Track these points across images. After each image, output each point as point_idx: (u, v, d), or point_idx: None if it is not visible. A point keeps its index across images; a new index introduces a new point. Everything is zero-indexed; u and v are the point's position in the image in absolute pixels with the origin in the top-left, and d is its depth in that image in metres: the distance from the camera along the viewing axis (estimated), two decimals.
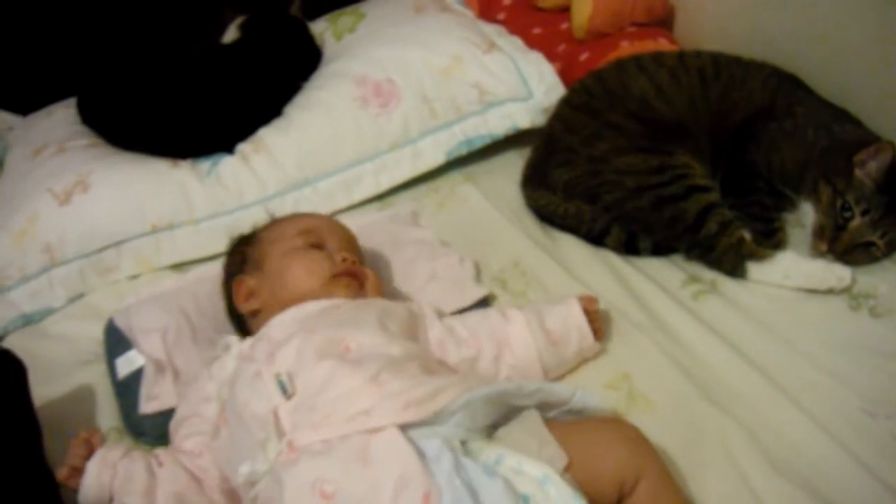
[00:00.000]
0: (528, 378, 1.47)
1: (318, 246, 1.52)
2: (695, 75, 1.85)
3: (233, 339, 1.44)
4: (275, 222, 1.61)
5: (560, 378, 1.52)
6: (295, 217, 1.63)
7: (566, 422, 1.31)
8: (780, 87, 1.83)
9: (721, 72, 1.86)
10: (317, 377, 1.25)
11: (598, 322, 1.55)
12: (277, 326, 1.39)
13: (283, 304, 1.42)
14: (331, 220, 1.64)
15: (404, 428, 1.17)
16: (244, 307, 1.49)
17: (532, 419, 1.24)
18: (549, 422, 1.24)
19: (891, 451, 1.35)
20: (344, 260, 1.51)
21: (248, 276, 1.51)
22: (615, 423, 1.30)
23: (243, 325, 1.53)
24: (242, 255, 1.56)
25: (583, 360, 1.55)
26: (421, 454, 1.15)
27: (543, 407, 1.29)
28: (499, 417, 1.26)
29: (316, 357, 1.27)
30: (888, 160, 1.61)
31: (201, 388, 1.42)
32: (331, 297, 1.44)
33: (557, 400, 1.30)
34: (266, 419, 1.24)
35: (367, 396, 1.20)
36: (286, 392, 1.25)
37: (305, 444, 1.18)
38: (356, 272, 1.52)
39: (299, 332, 1.33)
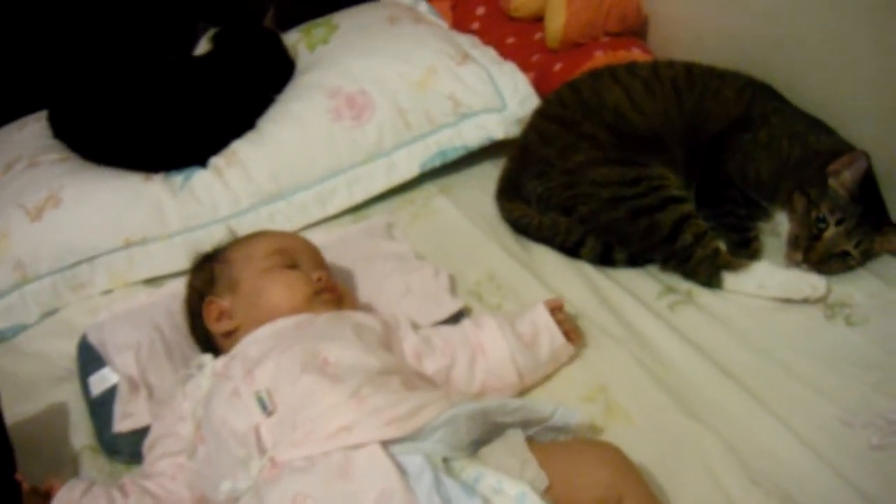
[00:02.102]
0: (503, 382, 1.48)
1: (292, 266, 1.51)
2: (668, 86, 1.85)
3: (206, 357, 1.42)
4: (241, 242, 1.59)
5: (536, 386, 1.52)
6: (262, 236, 1.61)
7: (548, 443, 1.31)
8: (754, 97, 1.84)
9: (695, 82, 1.86)
10: (297, 393, 1.25)
11: (568, 324, 1.56)
12: (252, 344, 1.38)
13: (261, 323, 1.41)
14: (298, 238, 1.63)
15: (386, 444, 1.17)
16: (217, 328, 1.48)
17: (515, 440, 1.24)
18: (531, 442, 1.24)
19: (868, 460, 1.35)
20: (320, 279, 1.50)
21: (218, 297, 1.49)
22: (597, 445, 1.31)
23: (210, 343, 1.51)
24: (210, 274, 1.53)
25: (558, 366, 1.55)
26: (402, 471, 1.15)
27: (525, 424, 1.29)
28: (482, 434, 1.26)
29: (295, 372, 1.27)
30: (862, 169, 1.62)
31: (176, 407, 1.40)
32: (311, 312, 1.44)
33: (539, 417, 1.30)
34: (246, 436, 1.23)
35: (349, 412, 1.20)
36: (266, 409, 1.24)
37: (287, 460, 1.18)
38: (335, 289, 1.52)
39: (275, 348, 1.33)
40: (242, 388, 1.28)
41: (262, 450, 1.21)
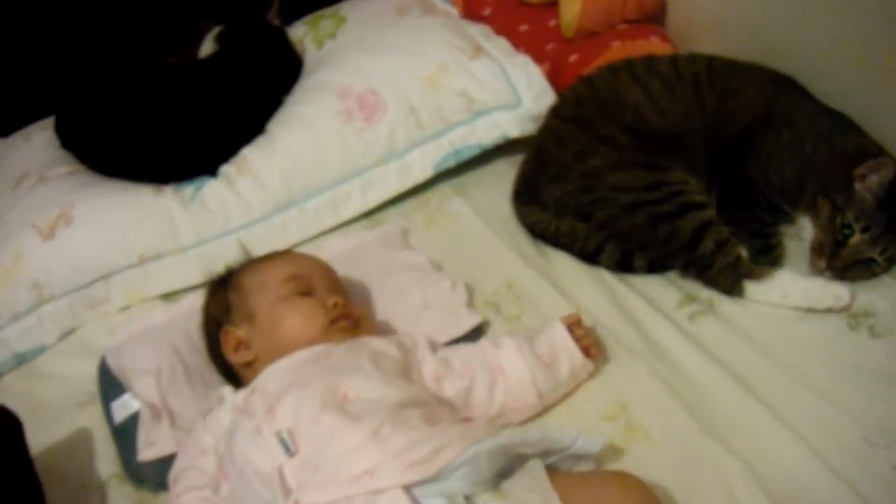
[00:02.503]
0: (523, 403, 1.47)
1: (307, 293, 1.50)
2: (689, 84, 1.80)
3: (226, 390, 1.42)
4: (255, 267, 1.57)
5: (557, 405, 1.51)
6: (276, 260, 1.59)
7: (571, 474, 1.30)
8: (777, 94, 1.78)
9: (716, 79, 1.81)
10: (318, 434, 1.24)
11: (588, 339, 1.54)
12: (271, 378, 1.37)
13: (278, 355, 1.41)
14: (312, 261, 1.61)
15: (408, 487, 1.17)
16: (235, 359, 1.48)
17: (536, 474, 1.23)
18: (552, 473, 1.23)
19: (890, 482, 1.33)
20: (336, 305, 1.49)
21: (235, 326, 1.49)
22: (620, 478, 1.28)
23: (231, 372, 1.51)
24: (225, 301, 1.53)
25: (578, 383, 1.53)
26: None
27: (546, 453, 1.28)
28: (503, 467, 1.25)
29: (315, 411, 1.26)
30: (889, 175, 1.57)
31: (197, 439, 1.40)
32: (329, 342, 1.43)
33: (560, 446, 1.29)
34: (270, 477, 1.23)
35: (370, 455, 1.20)
36: (289, 450, 1.24)
37: (311, 503, 1.18)
38: (351, 315, 1.50)
39: (294, 384, 1.32)
40: (264, 426, 1.28)
41: (286, 491, 1.21)
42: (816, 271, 1.65)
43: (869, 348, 1.55)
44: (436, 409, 1.37)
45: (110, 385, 1.63)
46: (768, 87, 1.80)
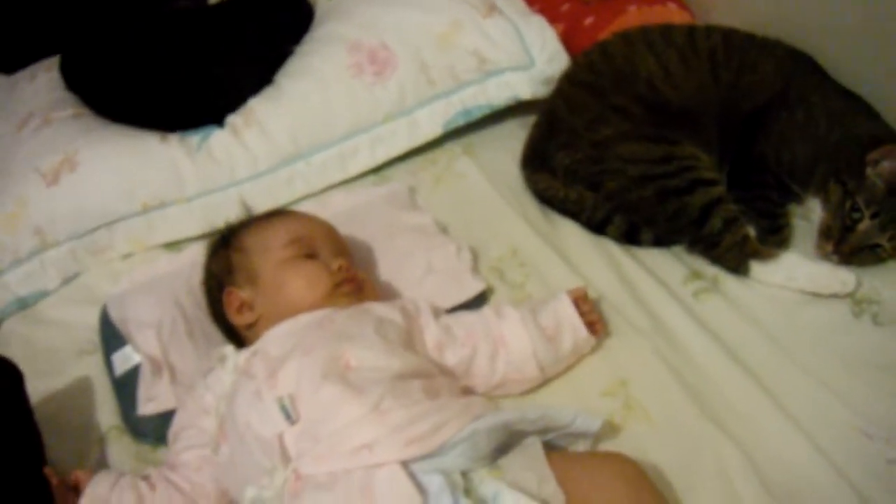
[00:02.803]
0: (524, 375, 1.47)
1: (311, 255, 1.49)
2: (705, 58, 1.78)
3: (228, 349, 1.41)
4: (257, 227, 1.56)
5: (557, 378, 1.51)
6: (278, 221, 1.57)
7: (567, 454, 1.32)
8: (793, 73, 1.76)
9: (732, 54, 1.78)
10: (319, 403, 1.25)
11: (593, 315, 1.54)
12: (273, 341, 1.37)
13: (282, 317, 1.41)
14: (316, 222, 1.59)
15: (406, 462, 1.18)
16: (238, 320, 1.47)
17: (533, 452, 1.23)
18: (550, 453, 1.23)
19: (884, 476, 1.34)
20: (340, 268, 1.48)
21: (238, 287, 1.48)
22: (615, 460, 1.28)
23: (233, 332, 1.51)
24: (227, 262, 1.51)
25: (580, 357, 1.53)
26: (423, 491, 1.15)
27: (545, 430, 1.29)
28: (501, 443, 1.26)
29: (317, 379, 1.26)
30: None
31: (198, 398, 1.41)
32: (332, 306, 1.42)
33: (559, 424, 1.29)
34: (271, 444, 1.24)
35: (371, 428, 1.20)
36: (290, 417, 1.24)
37: (310, 473, 1.19)
38: (355, 279, 1.50)
39: (297, 349, 1.32)
40: (265, 391, 1.28)
41: (286, 459, 1.22)
42: (823, 255, 1.65)
43: (871, 336, 1.55)
44: (437, 380, 1.37)
45: (112, 336, 1.63)
46: (786, 65, 1.78)
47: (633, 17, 2.04)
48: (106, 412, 1.56)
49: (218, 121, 1.91)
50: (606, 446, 1.38)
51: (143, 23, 1.97)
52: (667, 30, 1.86)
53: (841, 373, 1.49)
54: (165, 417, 1.46)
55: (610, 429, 1.41)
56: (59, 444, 1.47)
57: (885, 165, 1.58)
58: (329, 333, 1.35)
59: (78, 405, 1.58)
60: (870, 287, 1.62)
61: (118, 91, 1.91)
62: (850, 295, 1.61)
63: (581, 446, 1.34)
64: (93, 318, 1.69)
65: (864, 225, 1.59)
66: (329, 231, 1.58)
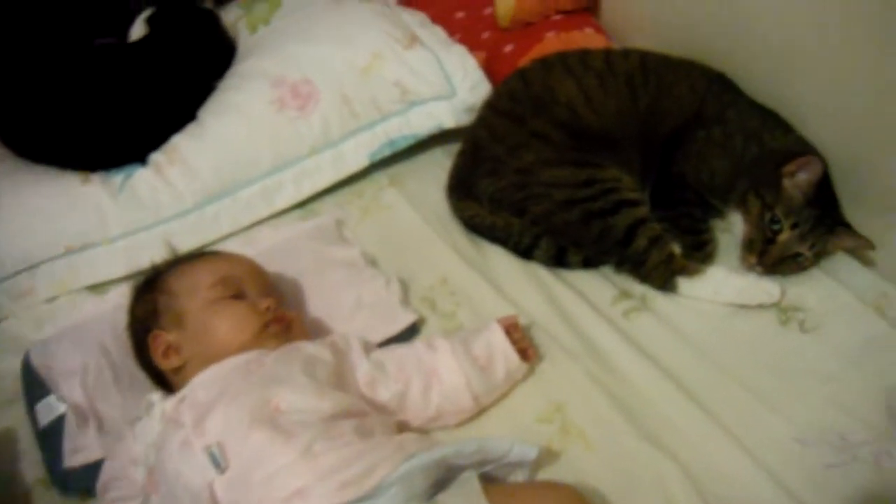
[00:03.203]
0: (458, 406, 1.47)
1: (238, 296, 1.47)
2: (623, 81, 1.80)
3: (155, 396, 1.39)
4: (183, 268, 1.53)
5: (492, 407, 1.51)
6: (205, 262, 1.55)
7: (506, 486, 1.31)
8: (709, 91, 1.80)
9: (649, 77, 1.81)
10: (248, 450, 1.22)
11: (525, 342, 1.55)
12: (200, 386, 1.34)
13: (210, 360, 1.38)
14: (243, 261, 1.58)
15: None
16: (164, 364, 1.44)
17: (470, 487, 1.22)
18: (488, 487, 1.22)
19: (821, 481, 1.37)
20: (268, 308, 1.47)
21: (164, 330, 1.45)
22: (554, 489, 1.29)
23: (160, 377, 1.48)
24: (153, 305, 1.48)
25: (514, 385, 1.53)
26: None
27: (482, 462, 1.28)
28: (439, 478, 1.25)
29: (246, 425, 1.24)
30: (817, 173, 1.61)
31: (127, 448, 1.38)
32: (261, 348, 1.41)
33: (495, 455, 1.29)
34: (202, 494, 1.21)
35: (302, 474, 1.19)
36: (219, 465, 1.22)
37: None
38: (284, 318, 1.48)
39: (225, 395, 1.30)
40: (194, 439, 1.25)
41: None
42: (747, 267, 1.68)
43: (799, 344, 1.59)
44: (369, 418, 1.35)
45: (35, 385, 1.58)
46: (701, 85, 1.81)
47: (551, 44, 2.06)
48: (30, 465, 1.51)
49: (141, 159, 1.89)
50: (545, 473, 1.39)
51: (63, 60, 1.92)
52: (585, 54, 1.88)
53: (772, 382, 1.52)
54: (93, 469, 1.42)
55: (548, 455, 1.41)
56: None
57: (802, 177, 1.62)
58: (257, 377, 1.33)
59: (0, 458, 1.53)
60: (795, 295, 1.66)
61: (38, 131, 1.88)
62: (777, 304, 1.64)
63: (520, 476, 1.34)
64: (15, 366, 1.63)
65: (785, 236, 1.63)
66: (256, 270, 1.56)
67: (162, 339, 1.44)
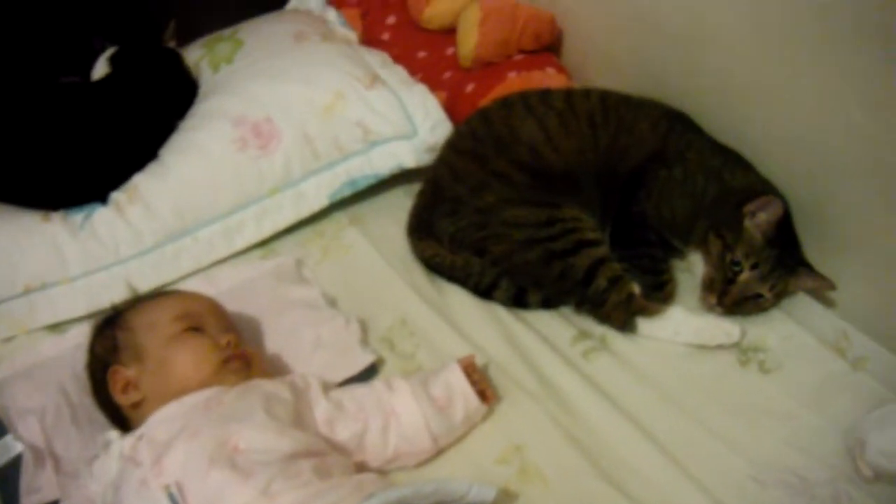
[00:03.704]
0: (417, 447, 1.46)
1: (198, 329, 1.46)
2: (584, 121, 1.81)
3: (112, 435, 1.37)
4: (143, 305, 1.53)
5: (451, 447, 1.50)
6: (165, 299, 1.55)
7: None
8: (670, 131, 1.81)
9: (610, 116, 1.82)
10: (207, 490, 1.21)
11: (484, 383, 1.54)
12: (159, 424, 1.33)
13: (169, 396, 1.37)
14: (203, 299, 1.57)
15: None
16: (123, 400, 1.42)
17: None
18: None
19: None
20: (228, 343, 1.46)
21: (123, 366, 1.43)
22: None
23: (118, 415, 1.46)
24: (112, 342, 1.47)
25: (472, 426, 1.53)
26: None
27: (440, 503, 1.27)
28: None
29: (204, 465, 1.23)
30: (777, 214, 1.62)
31: (83, 487, 1.37)
32: (220, 384, 1.39)
33: (454, 497, 1.27)
34: None
35: None
36: None
37: None
38: (244, 355, 1.47)
39: (183, 433, 1.28)
40: (151, 479, 1.24)
41: None
42: (707, 307, 1.69)
43: (759, 384, 1.60)
44: (328, 458, 1.34)
45: None
46: (661, 124, 1.82)
47: (513, 83, 2.07)
48: None
49: (101, 198, 1.87)
50: None
51: (26, 98, 1.91)
52: (546, 94, 1.89)
53: (731, 422, 1.53)
54: None
55: (506, 496, 1.41)
56: None
57: (762, 216, 1.63)
58: (216, 415, 1.32)
59: None
60: (755, 336, 1.67)
61: None
62: (737, 345, 1.65)
63: None
64: None
65: (745, 276, 1.63)
66: (216, 308, 1.56)
67: (121, 374, 1.43)
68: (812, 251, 1.70)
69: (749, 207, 1.64)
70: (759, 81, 1.74)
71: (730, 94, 1.82)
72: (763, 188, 1.70)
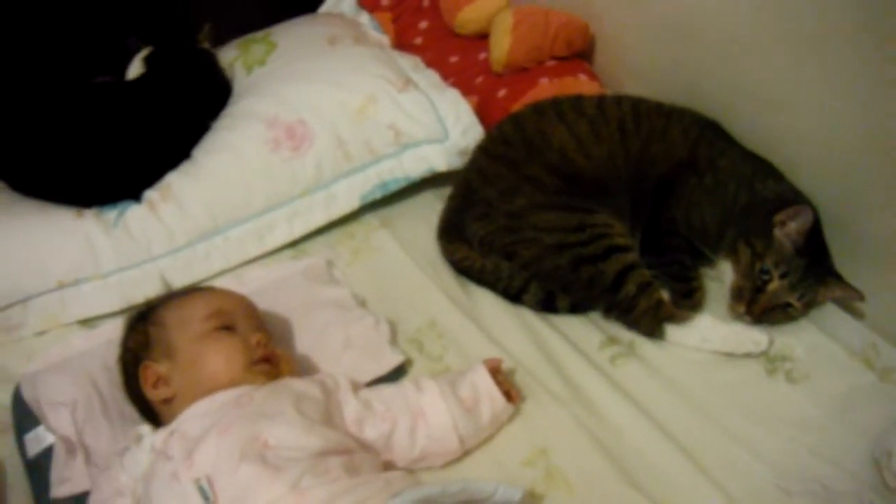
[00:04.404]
0: (444, 448, 1.47)
1: (229, 328, 1.47)
2: (615, 127, 1.82)
3: (144, 429, 1.39)
4: (176, 301, 1.54)
5: (477, 449, 1.51)
6: (198, 296, 1.56)
7: None
8: (701, 138, 1.81)
9: (641, 123, 1.83)
10: (237, 484, 1.22)
11: (507, 384, 1.55)
12: (190, 420, 1.35)
13: (199, 393, 1.39)
14: (235, 298, 1.58)
15: None
16: (154, 395, 1.44)
17: None
18: None
19: None
20: (258, 343, 1.47)
21: (155, 361, 1.45)
22: None
23: (149, 410, 1.48)
24: (145, 337, 1.49)
25: (499, 427, 1.53)
26: None
27: (466, 503, 1.27)
28: None
29: (235, 460, 1.24)
30: (808, 223, 1.61)
31: (114, 479, 1.37)
32: (250, 384, 1.41)
33: (480, 497, 1.28)
34: None
35: None
36: (208, 499, 1.22)
37: None
38: (273, 356, 1.49)
39: (214, 429, 1.29)
40: (182, 472, 1.26)
41: None
42: (735, 315, 1.68)
43: (785, 393, 1.59)
44: (357, 456, 1.35)
45: (24, 416, 1.59)
46: (692, 131, 1.82)
47: (545, 89, 2.08)
48: (18, 495, 1.51)
49: (135, 196, 1.90)
50: None
51: (61, 96, 1.94)
52: (577, 100, 1.89)
53: (757, 431, 1.52)
54: (79, 500, 1.42)
55: (531, 498, 1.41)
56: None
57: (792, 226, 1.63)
58: (247, 412, 1.33)
59: None
60: (783, 345, 1.66)
61: (34, 166, 1.89)
62: (764, 354, 1.65)
63: None
64: (4, 398, 1.64)
65: (774, 285, 1.63)
66: (247, 306, 1.57)
67: (152, 370, 1.45)
68: (841, 261, 1.70)
69: (779, 216, 1.63)
70: (794, 92, 1.74)
71: (764, 103, 1.82)
72: (794, 197, 1.70)
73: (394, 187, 2.00)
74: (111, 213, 1.87)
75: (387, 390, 1.52)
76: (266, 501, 1.19)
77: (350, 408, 1.45)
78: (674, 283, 1.73)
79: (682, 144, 1.81)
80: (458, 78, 2.17)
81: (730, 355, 1.65)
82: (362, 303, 1.78)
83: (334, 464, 1.28)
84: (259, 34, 2.22)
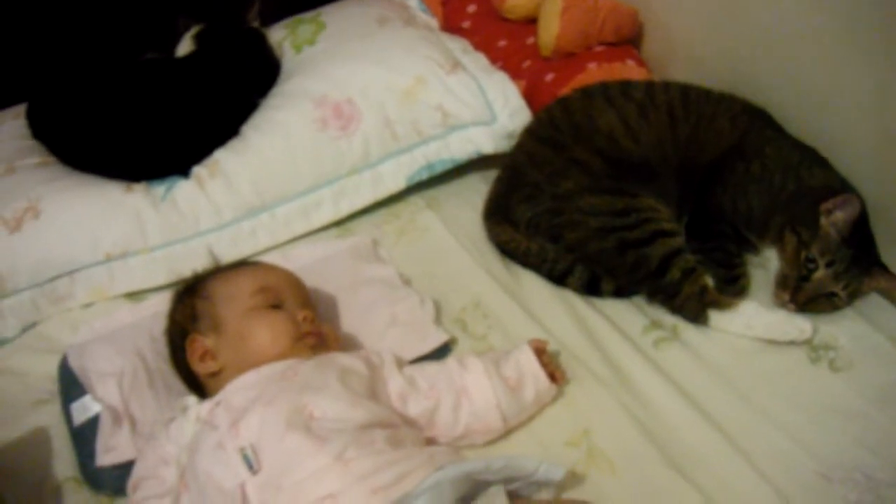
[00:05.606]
0: (487, 426, 1.47)
1: (276, 306, 1.49)
2: (663, 112, 1.82)
3: (190, 399, 1.41)
4: (224, 276, 1.56)
5: (520, 428, 1.52)
6: (246, 271, 1.58)
7: (531, 502, 1.30)
8: (749, 126, 1.81)
9: (690, 109, 1.83)
10: (282, 452, 1.24)
11: (552, 366, 1.55)
12: (236, 392, 1.37)
13: (245, 367, 1.40)
14: (283, 273, 1.59)
15: None
16: (200, 368, 1.46)
17: (497, 501, 1.22)
18: (514, 501, 1.23)
19: None
20: (305, 319, 1.48)
21: (202, 335, 1.47)
22: None
23: (194, 382, 1.50)
24: (192, 310, 1.51)
25: (542, 407, 1.54)
26: None
27: (509, 479, 1.28)
28: (466, 492, 1.25)
29: (281, 429, 1.26)
30: (855, 212, 1.61)
31: (159, 447, 1.39)
32: (296, 357, 1.42)
33: (523, 473, 1.29)
34: (233, 495, 1.23)
35: (334, 479, 1.20)
36: (252, 467, 1.24)
37: None
38: (319, 332, 1.50)
39: (260, 400, 1.31)
40: (227, 441, 1.28)
41: None
42: (780, 303, 1.68)
43: (828, 382, 1.59)
44: (400, 430, 1.37)
45: (71, 385, 1.62)
46: (741, 118, 1.82)
47: (592, 74, 2.08)
48: (63, 463, 1.54)
49: (183, 171, 1.92)
50: (569, 495, 1.38)
51: (111, 73, 1.97)
52: (626, 85, 1.90)
53: (800, 418, 1.52)
54: (124, 468, 1.45)
55: (573, 478, 1.41)
56: (15, 495, 1.45)
57: (839, 215, 1.62)
58: (292, 384, 1.35)
59: (34, 456, 1.55)
60: (826, 334, 1.66)
61: (84, 140, 1.91)
62: (808, 342, 1.64)
63: (545, 495, 1.33)
64: (50, 367, 1.67)
65: (820, 274, 1.63)
66: (295, 281, 1.58)
67: (199, 343, 1.47)
68: (888, 252, 1.69)
69: (826, 205, 1.63)
70: (845, 83, 1.73)
71: (811, 92, 1.82)
72: (841, 186, 1.70)
73: (440, 168, 2.01)
74: (160, 188, 1.89)
75: (431, 367, 1.53)
76: (310, 471, 1.21)
77: (394, 384, 1.46)
78: (718, 270, 1.73)
79: (731, 132, 1.80)
80: (505, 62, 2.17)
81: (773, 342, 1.64)
82: (407, 282, 1.80)
83: (378, 436, 1.29)
84: (308, 14, 2.23)
